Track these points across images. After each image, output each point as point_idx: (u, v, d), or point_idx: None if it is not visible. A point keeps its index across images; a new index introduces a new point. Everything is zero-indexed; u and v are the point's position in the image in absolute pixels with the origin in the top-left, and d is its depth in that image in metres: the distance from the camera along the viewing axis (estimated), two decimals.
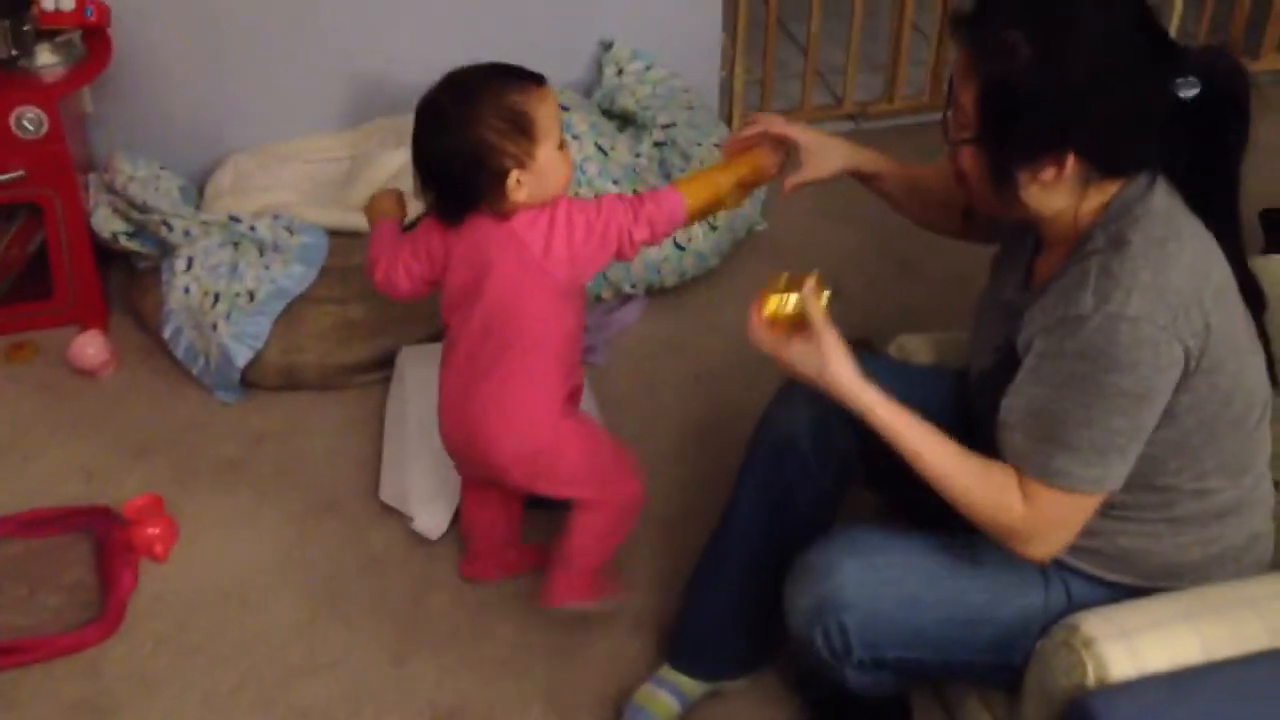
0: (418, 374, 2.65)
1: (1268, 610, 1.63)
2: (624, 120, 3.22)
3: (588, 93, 3.30)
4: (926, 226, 2.12)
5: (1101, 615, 1.62)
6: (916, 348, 2.23)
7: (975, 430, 1.72)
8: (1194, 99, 1.55)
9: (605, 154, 2.99)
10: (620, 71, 3.25)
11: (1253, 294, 1.66)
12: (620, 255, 1.98)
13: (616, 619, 2.29)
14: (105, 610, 2.26)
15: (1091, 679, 1.56)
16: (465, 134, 1.88)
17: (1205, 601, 1.64)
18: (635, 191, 2.75)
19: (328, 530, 2.48)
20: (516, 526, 2.33)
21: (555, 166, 1.93)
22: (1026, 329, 1.63)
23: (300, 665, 2.22)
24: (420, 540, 2.44)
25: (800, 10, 3.76)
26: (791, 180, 2.06)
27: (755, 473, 2.02)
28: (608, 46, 3.30)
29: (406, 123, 3.15)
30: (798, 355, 1.71)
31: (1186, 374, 1.55)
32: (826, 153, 2.05)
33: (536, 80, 1.93)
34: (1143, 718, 1.52)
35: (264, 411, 2.75)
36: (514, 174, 1.88)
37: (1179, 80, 1.55)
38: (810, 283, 1.71)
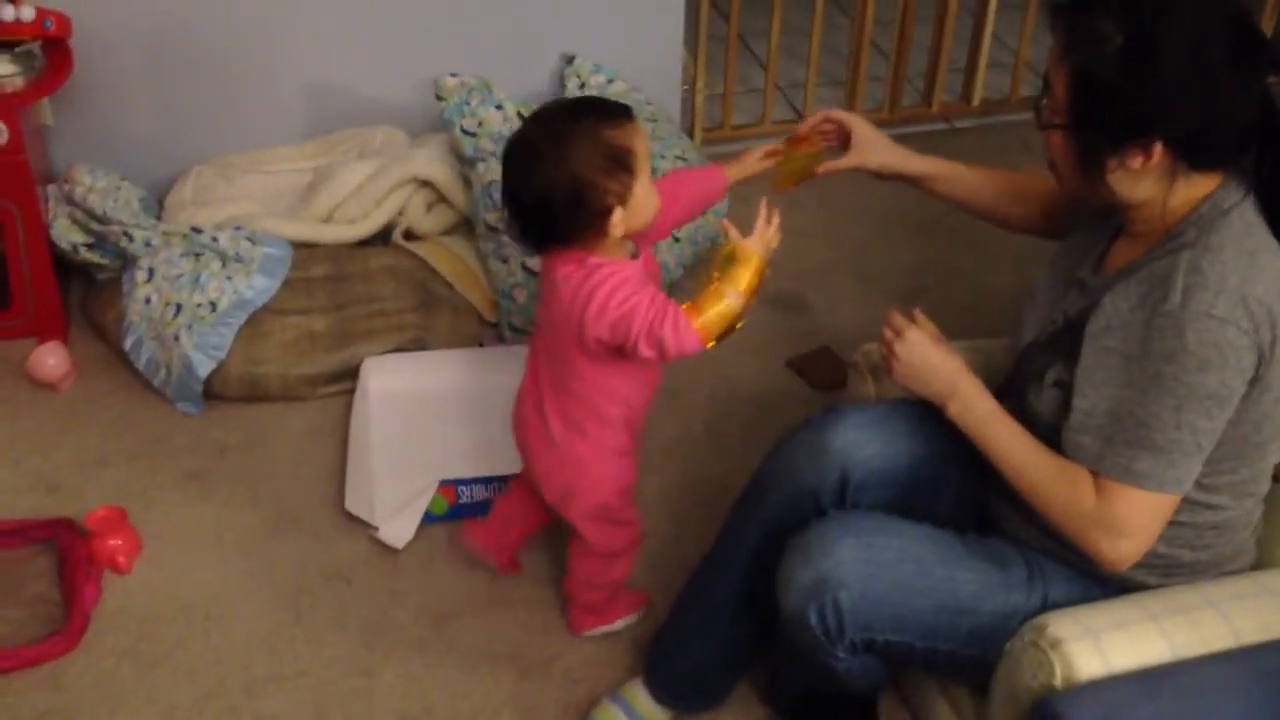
0: (381, 385, 2.64)
1: (1231, 611, 1.65)
2: None
3: None
4: (1000, 224, 2.13)
5: (1069, 615, 1.64)
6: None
7: (1003, 399, 1.76)
8: None
9: None
10: (583, 85, 3.26)
11: None
12: (622, 353, 1.89)
13: None
14: (68, 623, 2.24)
15: (1059, 679, 1.58)
16: (565, 172, 1.81)
17: (1171, 603, 1.66)
18: None
19: (292, 541, 2.46)
20: (528, 533, 2.31)
21: (649, 198, 1.88)
22: (1102, 314, 1.65)
23: (266, 676, 2.21)
24: (386, 550, 2.43)
25: (761, 26, 3.79)
26: (830, 165, 2.11)
27: (764, 519, 1.95)
28: (570, 60, 3.31)
29: (370, 134, 3.22)
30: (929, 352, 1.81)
31: (1252, 380, 1.58)
32: (872, 146, 2.09)
33: (627, 113, 1.88)
34: (1107, 717, 1.54)
35: (226, 423, 2.73)
36: (617, 211, 1.83)
37: (1270, 77, 1.58)
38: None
